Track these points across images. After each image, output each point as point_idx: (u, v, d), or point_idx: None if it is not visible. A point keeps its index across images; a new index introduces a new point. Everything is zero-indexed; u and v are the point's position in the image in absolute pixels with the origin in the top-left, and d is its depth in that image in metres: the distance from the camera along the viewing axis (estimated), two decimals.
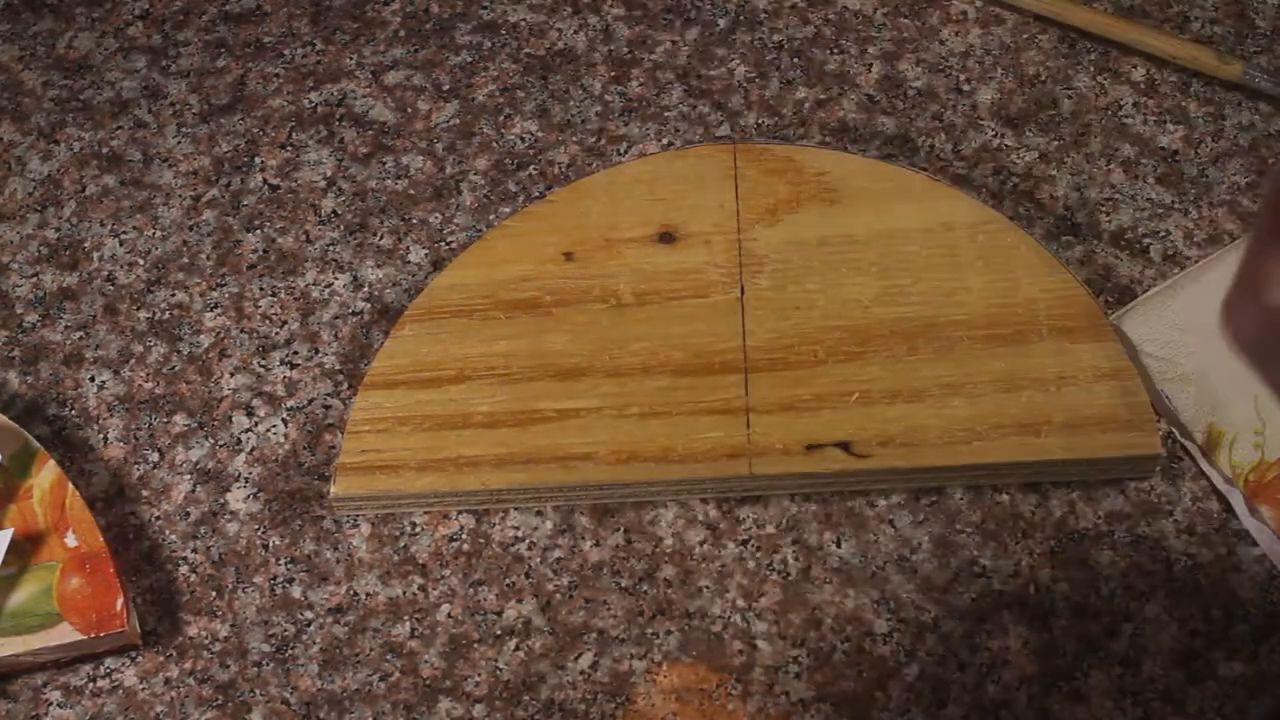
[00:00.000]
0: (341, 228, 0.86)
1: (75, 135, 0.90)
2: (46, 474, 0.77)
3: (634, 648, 0.74)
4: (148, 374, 0.82)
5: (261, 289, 0.84)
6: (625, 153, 0.88)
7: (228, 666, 0.75)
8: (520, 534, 0.77)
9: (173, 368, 0.82)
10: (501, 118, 0.89)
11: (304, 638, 0.75)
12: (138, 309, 0.84)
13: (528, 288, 0.81)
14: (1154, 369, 0.77)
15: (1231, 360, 0.55)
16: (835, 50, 0.91)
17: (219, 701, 0.74)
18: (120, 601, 0.74)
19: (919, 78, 0.89)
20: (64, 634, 0.73)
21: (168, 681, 0.74)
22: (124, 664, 0.75)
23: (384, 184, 0.87)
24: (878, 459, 0.76)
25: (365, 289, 0.84)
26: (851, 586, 0.75)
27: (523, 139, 0.88)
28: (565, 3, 0.93)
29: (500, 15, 0.93)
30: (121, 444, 0.80)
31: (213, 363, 0.82)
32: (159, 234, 0.86)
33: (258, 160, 0.88)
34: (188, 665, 0.75)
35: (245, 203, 0.87)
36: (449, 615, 0.75)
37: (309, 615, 0.76)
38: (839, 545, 0.76)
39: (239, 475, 0.79)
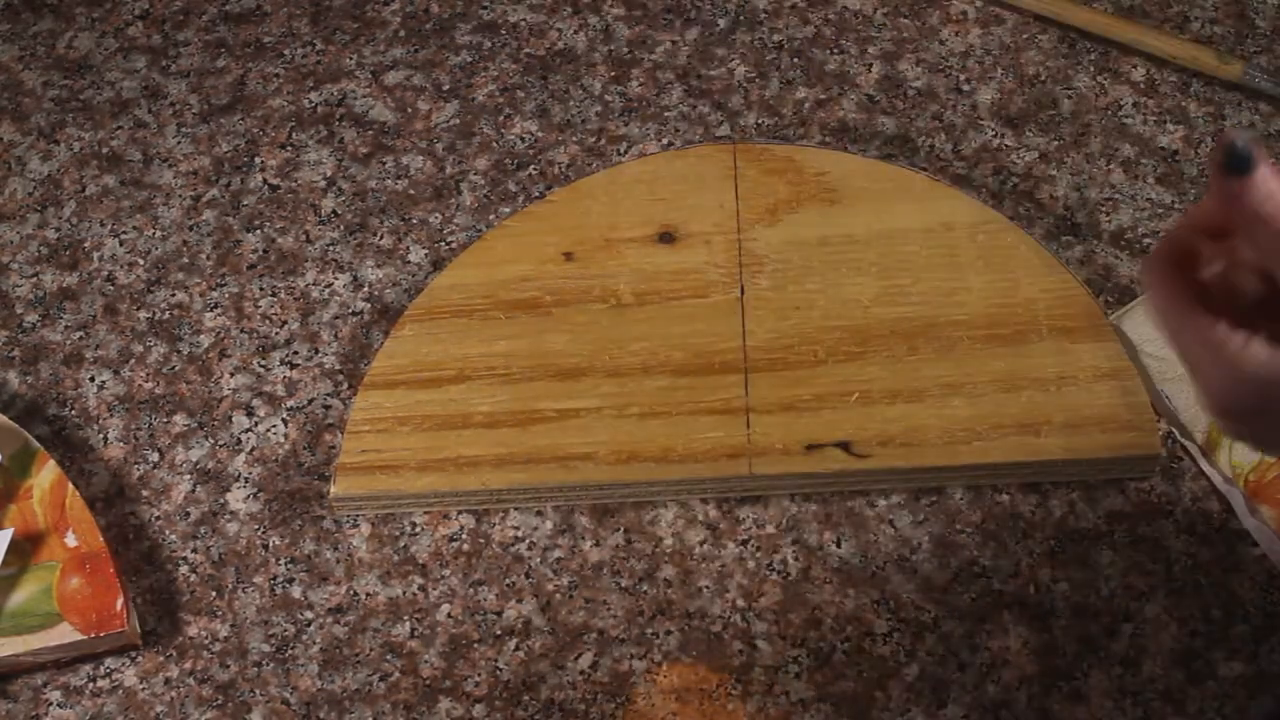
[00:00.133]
0: (341, 228, 0.86)
1: (75, 135, 0.90)
2: (46, 474, 0.77)
3: (634, 648, 0.74)
4: (148, 374, 0.82)
5: (261, 289, 0.84)
6: (625, 153, 0.88)
7: (228, 666, 0.75)
8: (520, 534, 0.77)
9: (173, 368, 0.82)
10: (501, 118, 0.89)
11: (304, 638, 0.75)
12: (138, 309, 0.84)
13: (528, 288, 0.81)
14: (1154, 369, 0.77)
15: None
16: (835, 50, 0.91)
17: (219, 701, 0.74)
18: (120, 601, 0.74)
19: (919, 78, 0.89)
20: (64, 634, 0.73)
21: (168, 681, 0.74)
22: (124, 664, 0.75)
23: (384, 184, 0.87)
24: (878, 459, 0.76)
25: (365, 289, 0.84)
26: (851, 586, 0.75)
27: (523, 139, 0.88)
28: (565, 3, 0.93)
29: (500, 15, 0.93)
30: (121, 444, 0.80)
31: (213, 363, 0.82)
32: (159, 234, 0.86)
33: (258, 160, 0.88)
34: (188, 665, 0.75)
35: (245, 203, 0.87)
36: (449, 615, 0.75)
37: (309, 615, 0.76)
38: (839, 545, 0.76)
39: (239, 475, 0.79)
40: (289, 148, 0.89)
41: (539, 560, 0.76)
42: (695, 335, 0.80)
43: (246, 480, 0.79)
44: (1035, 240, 0.81)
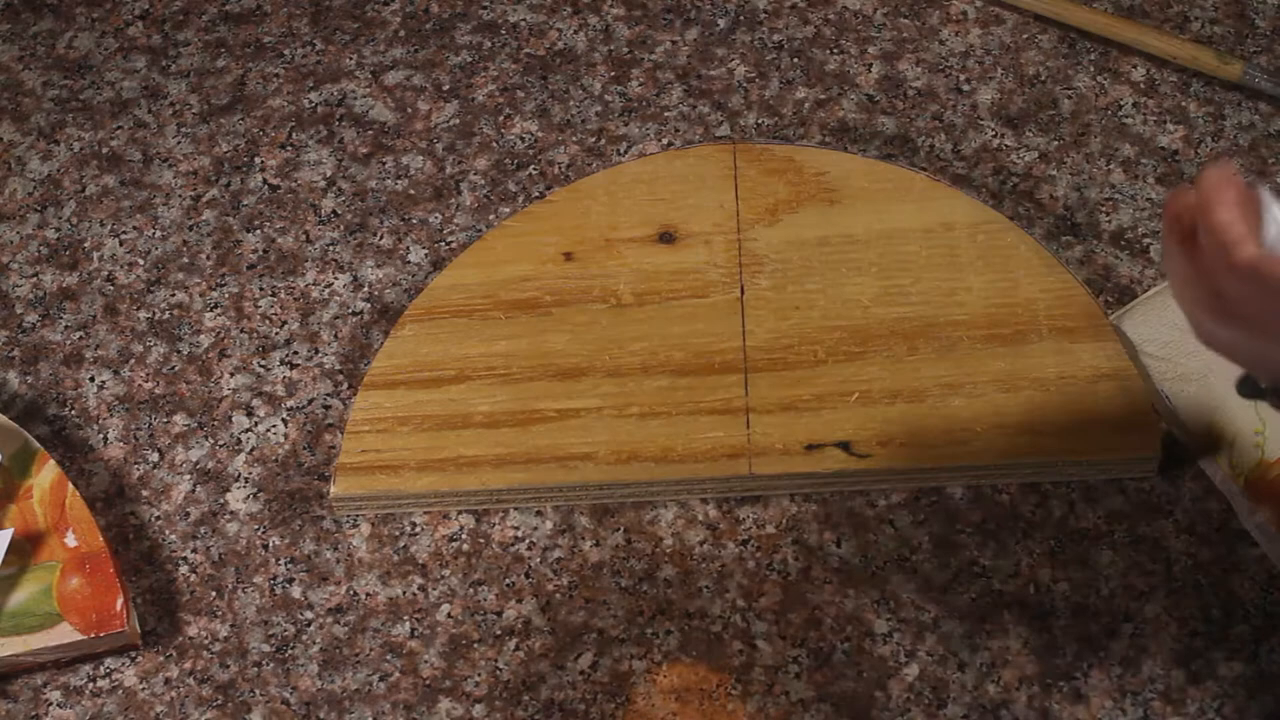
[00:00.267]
0: (341, 228, 0.86)
1: (75, 135, 0.90)
2: (46, 474, 0.77)
3: (634, 648, 0.74)
4: (148, 374, 0.82)
5: (261, 289, 0.84)
6: (625, 153, 0.88)
7: (228, 666, 0.75)
8: (520, 534, 0.77)
9: (173, 368, 0.82)
10: (501, 118, 0.89)
11: (304, 638, 0.75)
12: (138, 309, 0.84)
13: (528, 288, 0.81)
14: (1154, 369, 0.77)
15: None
16: (835, 50, 0.90)
17: (219, 701, 0.74)
18: (120, 601, 0.74)
19: (919, 78, 0.89)
20: (64, 634, 0.73)
21: (168, 681, 0.74)
22: (124, 664, 0.75)
23: (384, 184, 0.87)
24: (878, 459, 0.76)
25: (365, 289, 0.84)
26: (851, 586, 0.75)
27: (523, 139, 0.88)
28: (565, 3, 0.93)
29: (500, 15, 0.93)
30: (121, 444, 0.80)
31: (213, 363, 0.82)
32: (159, 234, 0.86)
33: (258, 160, 0.88)
34: (188, 665, 0.75)
35: (245, 203, 0.87)
36: (449, 615, 0.75)
37: (309, 615, 0.76)
38: (839, 545, 0.76)
39: (239, 475, 0.79)
40: (289, 148, 0.89)
41: (539, 560, 0.76)
42: (695, 335, 0.80)
43: (246, 480, 0.79)
44: (1035, 240, 0.81)
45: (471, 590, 0.76)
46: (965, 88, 0.89)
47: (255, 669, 0.74)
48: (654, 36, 0.92)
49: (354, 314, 0.83)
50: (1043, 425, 0.76)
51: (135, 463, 0.80)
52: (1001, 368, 0.78)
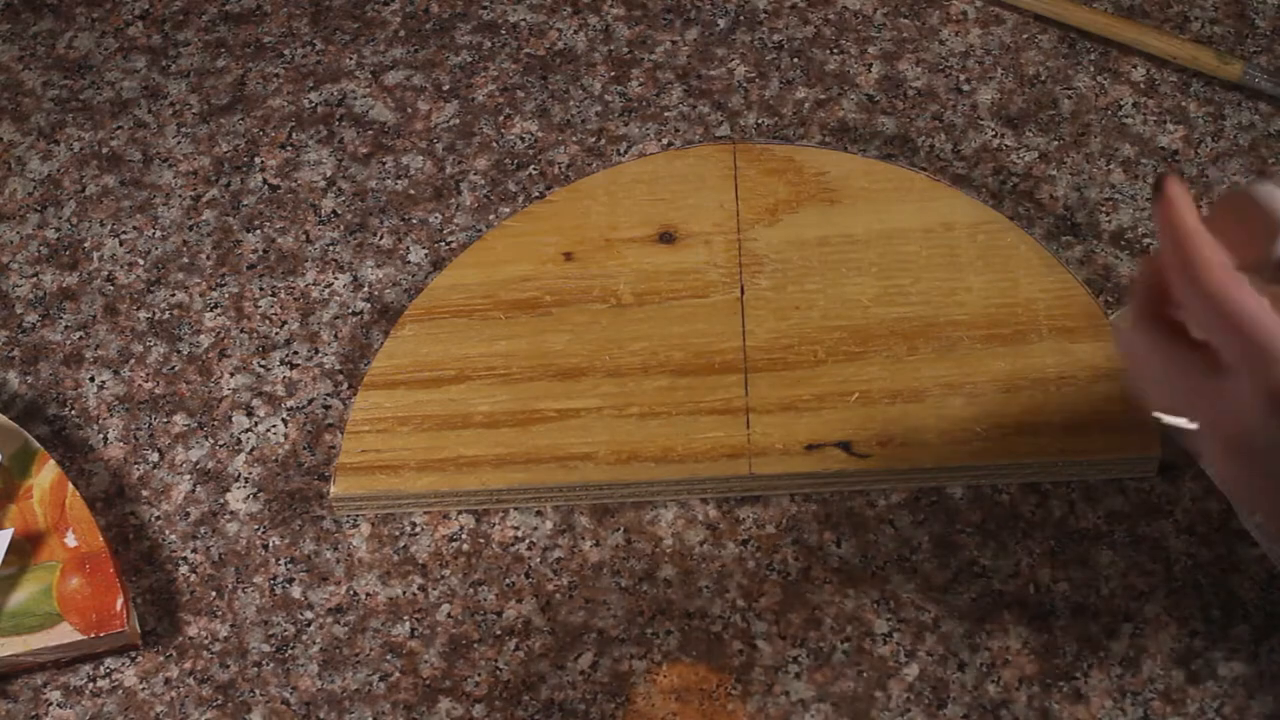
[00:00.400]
0: (341, 228, 0.86)
1: (75, 135, 0.90)
2: (46, 474, 0.77)
3: (634, 648, 0.74)
4: (148, 374, 0.82)
5: (261, 289, 0.84)
6: (625, 153, 0.88)
7: (228, 666, 0.75)
8: (520, 534, 0.77)
9: (173, 368, 0.82)
10: (501, 118, 0.89)
11: (304, 638, 0.75)
12: (138, 309, 0.84)
13: (528, 288, 0.81)
14: None
15: None
16: (835, 50, 0.90)
17: (219, 701, 0.74)
18: (120, 601, 0.74)
19: (919, 78, 0.89)
20: (64, 634, 0.73)
21: (168, 681, 0.74)
22: (124, 664, 0.75)
23: (384, 184, 0.87)
24: (878, 459, 0.76)
25: (365, 289, 0.84)
26: (851, 586, 0.75)
27: (523, 139, 0.88)
28: (565, 3, 0.93)
29: (500, 15, 0.93)
30: (121, 444, 0.80)
31: (213, 363, 0.82)
32: (159, 234, 0.86)
33: (258, 160, 0.88)
34: (188, 665, 0.75)
35: (245, 203, 0.87)
36: (449, 615, 0.75)
37: (309, 615, 0.76)
38: (839, 545, 0.76)
39: (239, 475, 0.79)
40: (289, 148, 0.89)
41: (539, 560, 0.76)
42: (695, 335, 0.80)
43: (246, 480, 0.79)
44: (1035, 240, 0.81)
45: (471, 590, 0.76)
46: (965, 88, 0.89)
47: (255, 669, 0.75)
48: (654, 36, 0.92)
49: (354, 314, 0.83)
50: (1043, 425, 0.76)
51: (135, 463, 0.80)
52: (1001, 368, 0.78)
